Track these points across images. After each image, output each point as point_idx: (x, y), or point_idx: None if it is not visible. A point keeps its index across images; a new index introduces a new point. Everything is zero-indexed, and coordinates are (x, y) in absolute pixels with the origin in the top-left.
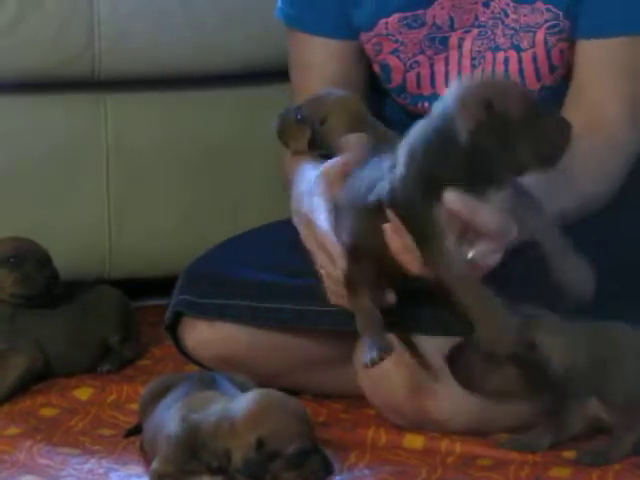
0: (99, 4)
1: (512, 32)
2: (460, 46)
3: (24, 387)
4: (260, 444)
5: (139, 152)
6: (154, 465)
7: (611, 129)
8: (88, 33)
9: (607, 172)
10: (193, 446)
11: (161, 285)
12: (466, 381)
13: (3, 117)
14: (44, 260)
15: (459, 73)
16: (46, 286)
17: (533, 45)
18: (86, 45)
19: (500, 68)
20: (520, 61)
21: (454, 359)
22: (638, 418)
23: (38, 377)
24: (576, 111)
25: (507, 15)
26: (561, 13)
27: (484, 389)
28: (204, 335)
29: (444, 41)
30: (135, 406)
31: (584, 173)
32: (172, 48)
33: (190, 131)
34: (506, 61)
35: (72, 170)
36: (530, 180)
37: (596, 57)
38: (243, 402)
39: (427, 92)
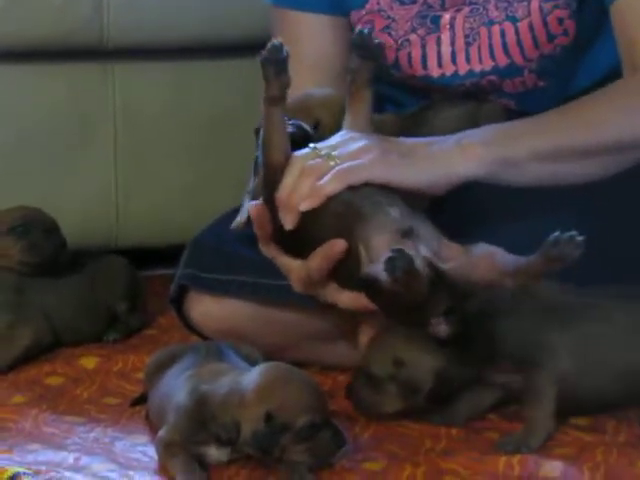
0: None
1: (505, 4)
2: (452, 26)
3: (30, 357)
4: (269, 417)
5: (147, 121)
6: (161, 433)
7: None
8: (97, 1)
9: (631, 105)
10: (202, 417)
11: (168, 254)
12: (365, 410)
13: (10, 86)
14: (51, 228)
15: (452, 53)
16: (53, 254)
17: (529, 14)
18: (94, 14)
19: (497, 41)
20: (517, 32)
21: (350, 392)
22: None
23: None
24: (636, 70)
25: None
26: None
27: (383, 414)
28: (209, 309)
29: (436, 20)
30: (141, 375)
31: (606, 101)
32: (180, 17)
33: (198, 100)
34: (503, 33)
35: (79, 139)
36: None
37: (635, 9)
38: (253, 375)
39: (419, 73)
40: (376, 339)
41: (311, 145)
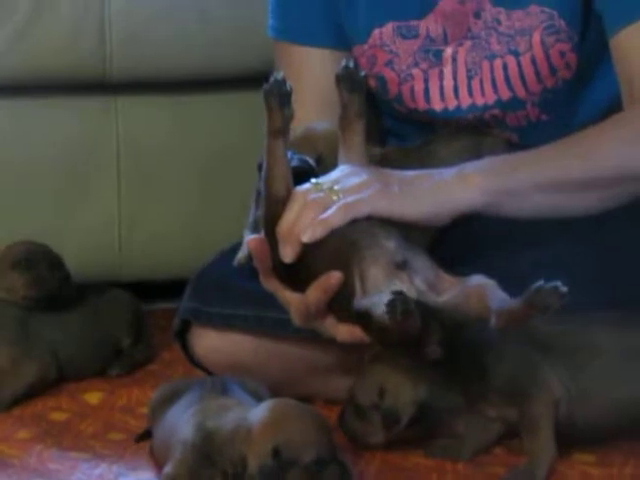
0: (110, 7)
1: (507, 38)
2: (455, 60)
3: (35, 393)
4: (276, 452)
5: (150, 155)
6: (167, 469)
7: None
8: (99, 36)
9: (629, 137)
10: (208, 453)
11: (171, 288)
12: (353, 440)
13: (15, 119)
14: (55, 262)
15: (455, 87)
16: (58, 288)
17: (530, 48)
18: (97, 48)
19: (499, 74)
20: (519, 65)
21: (341, 421)
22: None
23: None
24: (635, 103)
25: (500, 23)
26: (555, 12)
27: (369, 445)
28: (213, 343)
29: (438, 54)
30: (145, 410)
31: (609, 130)
32: (183, 51)
33: (200, 134)
34: (505, 67)
35: (83, 173)
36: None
37: (632, 44)
38: (260, 410)
39: (422, 107)
40: (363, 369)
41: (313, 180)
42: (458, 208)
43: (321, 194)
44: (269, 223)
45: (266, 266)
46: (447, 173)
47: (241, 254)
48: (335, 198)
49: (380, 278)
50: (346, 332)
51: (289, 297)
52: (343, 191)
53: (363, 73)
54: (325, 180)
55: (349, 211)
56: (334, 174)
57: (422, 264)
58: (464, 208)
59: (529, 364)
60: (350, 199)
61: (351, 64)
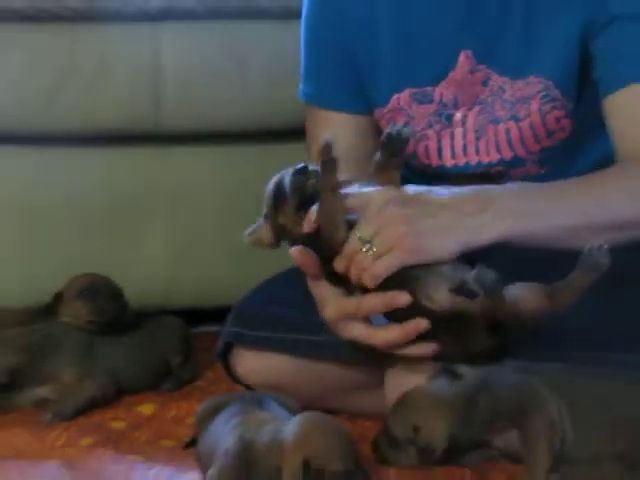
0: (164, 72)
1: (510, 105)
2: (464, 122)
3: (96, 406)
4: (306, 464)
5: (197, 198)
6: (211, 471)
7: None
8: (153, 95)
9: (632, 186)
10: (247, 463)
11: (215, 313)
12: (386, 464)
13: (79, 167)
14: (116, 292)
15: (464, 146)
16: (117, 315)
17: (529, 114)
18: (150, 105)
19: (502, 137)
20: (520, 129)
21: (375, 448)
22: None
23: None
24: (627, 157)
25: (504, 91)
26: (551, 83)
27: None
28: (252, 363)
29: (449, 117)
30: (192, 420)
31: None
32: (225, 107)
33: (242, 177)
34: (507, 131)
35: (137, 214)
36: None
37: (623, 105)
38: (292, 424)
39: (435, 163)
40: (397, 405)
41: (356, 233)
42: (482, 244)
43: (361, 254)
44: (329, 245)
45: (313, 273)
46: (471, 206)
47: (248, 238)
48: (370, 254)
49: (447, 300)
50: (396, 333)
51: (333, 295)
52: (377, 245)
53: (406, 135)
54: (365, 232)
55: (378, 276)
56: (371, 214)
57: None
58: (488, 243)
59: (530, 388)
60: (377, 264)
61: (404, 134)
